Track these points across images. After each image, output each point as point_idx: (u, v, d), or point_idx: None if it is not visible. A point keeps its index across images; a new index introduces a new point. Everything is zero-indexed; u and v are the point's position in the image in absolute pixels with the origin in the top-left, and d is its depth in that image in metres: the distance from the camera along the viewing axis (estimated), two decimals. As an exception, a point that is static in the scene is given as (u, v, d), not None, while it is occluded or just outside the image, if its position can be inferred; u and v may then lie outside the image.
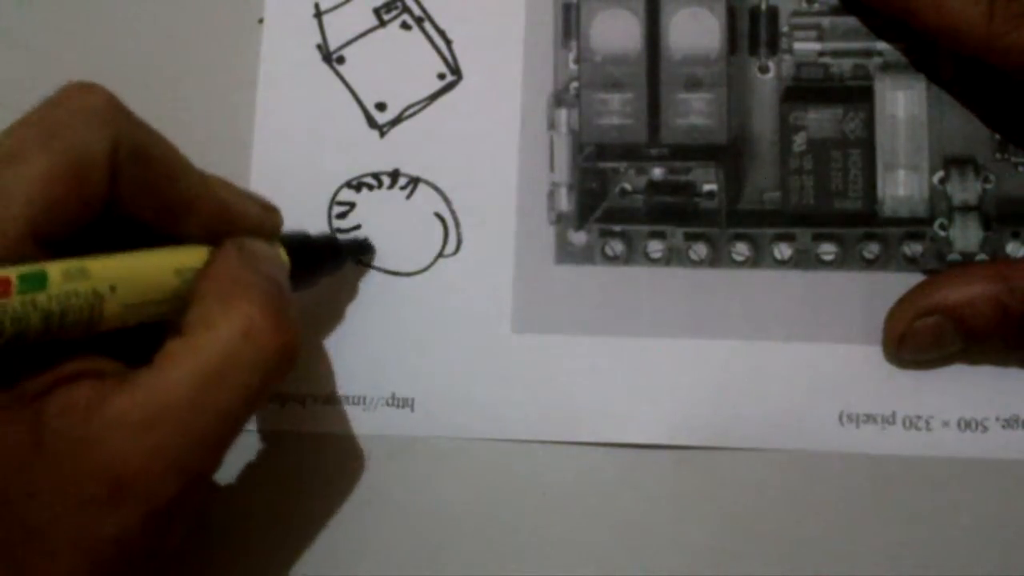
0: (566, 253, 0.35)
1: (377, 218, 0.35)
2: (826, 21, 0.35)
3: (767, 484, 0.33)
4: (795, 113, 0.35)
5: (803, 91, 0.35)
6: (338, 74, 0.36)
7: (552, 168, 0.35)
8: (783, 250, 0.34)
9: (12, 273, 0.22)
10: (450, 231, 0.35)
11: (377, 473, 0.34)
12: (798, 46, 0.35)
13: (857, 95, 0.35)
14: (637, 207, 0.35)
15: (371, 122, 0.36)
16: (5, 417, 0.23)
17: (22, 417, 0.23)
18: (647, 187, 0.35)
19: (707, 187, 0.35)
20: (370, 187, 0.35)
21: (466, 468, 0.33)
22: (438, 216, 0.35)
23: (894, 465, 0.33)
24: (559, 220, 0.35)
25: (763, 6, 0.35)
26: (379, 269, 0.35)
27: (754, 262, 0.34)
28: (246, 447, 0.33)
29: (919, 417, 0.33)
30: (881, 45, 0.35)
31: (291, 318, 0.26)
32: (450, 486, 0.33)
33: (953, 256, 0.34)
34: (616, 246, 0.35)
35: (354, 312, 0.35)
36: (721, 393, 0.33)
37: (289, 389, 0.34)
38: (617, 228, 0.35)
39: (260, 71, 0.36)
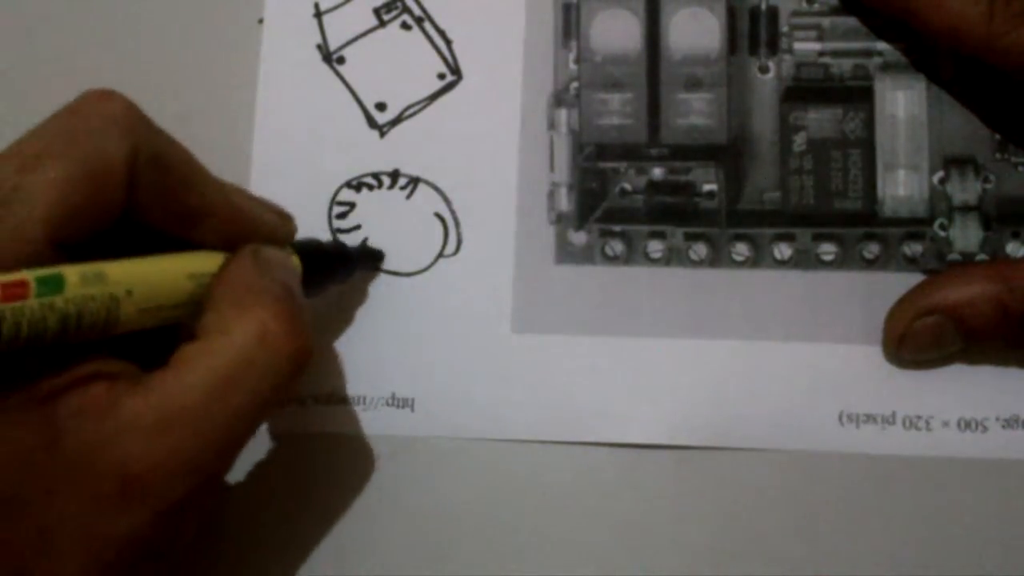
0: (566, 253, 0.35)
1: (377, 218, 0.35)
2: (826, 21, 0.35)
3: (767, 484, 0.33)
4: (795, 113, 0.35)
5: (803, 91, 0.35)
6: (338, 74, 0.36)
7: (552, 168, 0.35)
8: (783, 250, 0.34)
9: (30, 276, 0.23)
10: (450, 231, 0.35)
11: (377, 473, 0.34)
12: (798, 46, 0.35)
13: (857, 95, 0.35)
14: (637, 207, 0.35)
15: (371, 122, 0.36)
16: (21, 417, 0.24)
17: (37, 417, 0.24)
18: (647, 187, 0.35)
19: (707, 187, 0.35)
20: (370, 187, 0.35)
21: (466, 468, 0.33)
22: (438, 216, 0.35)
23: (894, 465, 0.33)
24: (559, 220, 0.35)
25: (763, 6, 0.35)
26: (380, 269, 0.35)
27: (754, 262, 0.34)
28: (246, 447, 0.33)
29: (919, 417, 0.33)
30: (881, 45, 0.35)
31: (304, 324, 0.26)
32: (450, 486, 0.33)
33: (953, 256, 0.34)
34: (616, 246, 0.35)
35: (354, 312, 0.35)
36: (721, 393, 0.33)
37: (291, 393, 0.34)
38: (617, 228, 0.35)
39: (260, 71, 0.36)
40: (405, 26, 0.36)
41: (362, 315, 0.35)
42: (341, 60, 0.36)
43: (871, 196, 0.34)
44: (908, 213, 0.34)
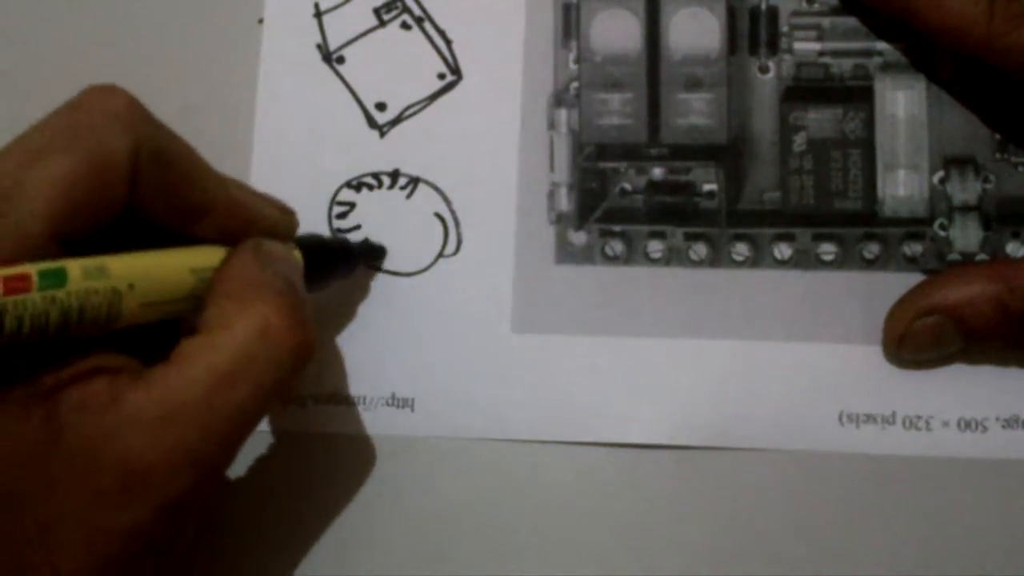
0: (566, 253, 0.35)
1: (377, 218, 0.35)
2: (826, 21, 0.35)
3: (767, 484, 0.33)
4: (795, 113, 0.35)
5: (803, 91, 0.35)
6: (338, 74, 0.36)
7: (552, 168, 0.35)
8: (783, 250, 0.34)
9: (32, 270, 0.23)
10: (450, 231, 0.35)
11: (377, 473, 0.34)
12: (798, 46, 0.35)
13: (857, 95, 0.35)
14: (637, 207, 0.35)
15: (371, 122, 0.36)
16: (22, 411, 0.24)
17: (39, 411, 0.24)
18: (647, 187, 0.35)
19: (707, 187, 0.35)
20: (370, 187, 0.35)
21: (466, 468, 0.33)
22: (438, 216, 0.35)
23: (894, 465, 0.33)
24: (559, 220, 0.35)
25: (763, 6, 0.35)
26: (380, 269, 0.35)
27: (754, 262, 0.34)
28: (246, 447, 0.33)
29: (919, 417, 0.33)
30: (881, 45, 0.35)
31: (306, 318, 0.26)
32: (450, 486, 0.33)
33: (953, 256, 0.34)
34: (616, 246, 0.35)
35: (354, 312, 0.35)
36: (721, 393, 0.33)
37: (292, 389, 0.34)
38: (617, 228, 0.35)
39: (260, 71, 0.36)
40: (405, 26, 0.36)
41: (362, 315, 0.35)
42: (341, 60, 0.36)
43: (871, 196, 0.34)
44: (908, 213, 0.34)
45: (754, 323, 0.34)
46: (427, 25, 0.36)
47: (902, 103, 0.35)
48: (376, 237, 0.35)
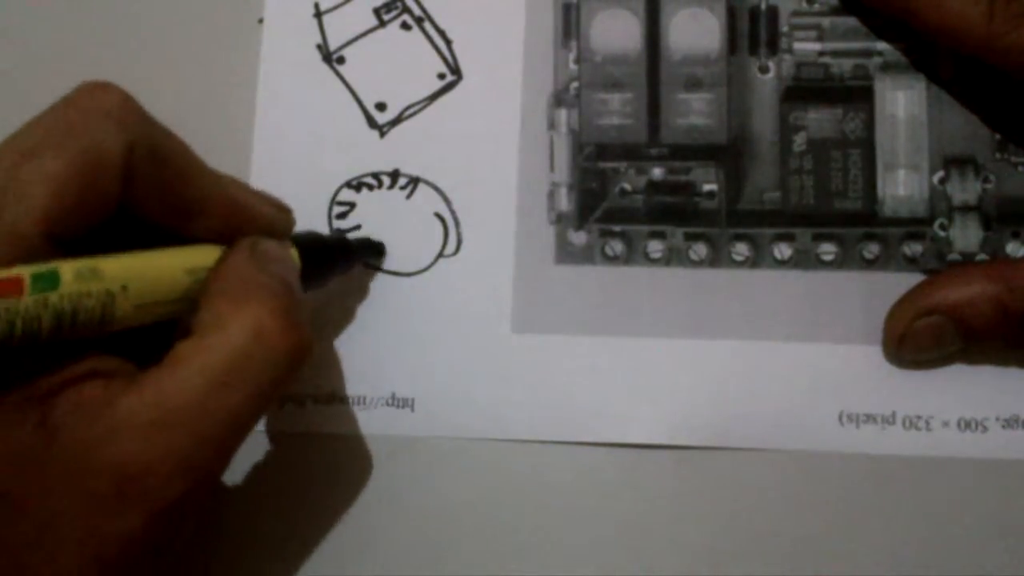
0: (566, 253, 0.35)
1: (377, 218, 0.35)
2: (826, 21, 0.35)
3: (767, 484, 0.33)
4: (795, 113, 0.35)
5: (803, 91, 0.35)
6: (338, 74, 0.36)
7: (552, 168, 0.35)
8: (783, 250, 0.34)
9: (25, 272, 0.23)
10: (450, 231, 0.35)
11: (377, 473, 0.34)
12: (798, 46, 0.35)
13: (857, 95, 0.35)
14: (637, 207, 0.35)
15: (371, 122, 0.36)
16: (16, 416, 0.24)
17: (32, 416, 0.24)
18: (647, 187, 0.35)
19: (707, 187, 0.35)
20: (370, 187, 0.35)
21: (466, 468, 0.33)
22: (438, 216, 0.35)
23: (894, 465, 0.33)
24: (559, 220, 0.35)
25: (763, 6, 0.35)
26: (380, 269, 0.35)
27: (754, 262, 0.34)
28: (245, 447, 0.33)
29: (919, 417, 0.33)
30: (881, 45, 0.35)
31: (301, 319, 0.26)
32: (450, 486, 0.33)
33: (953, 256, 0.34)
34: (616, 246, 0.35)
35: (354, 312, 0.35)
36: (721, 393, 0.33)
37: (288, 390, 0.34)
38: (617, 228, 0.35)
39: (260, 71, 0.36)
40: (405, 26, 0.36)
41: (362, 315, 0.35)
42: (341, 60, 0.36)
43: (871, 196, 0.34)
44: (908, 213, 0.34)
45: (754, 323, 0.34)
46: (427, 25, 0.36)
47: (902, 103, 0.35)
48: (376, 237, 0.35)
